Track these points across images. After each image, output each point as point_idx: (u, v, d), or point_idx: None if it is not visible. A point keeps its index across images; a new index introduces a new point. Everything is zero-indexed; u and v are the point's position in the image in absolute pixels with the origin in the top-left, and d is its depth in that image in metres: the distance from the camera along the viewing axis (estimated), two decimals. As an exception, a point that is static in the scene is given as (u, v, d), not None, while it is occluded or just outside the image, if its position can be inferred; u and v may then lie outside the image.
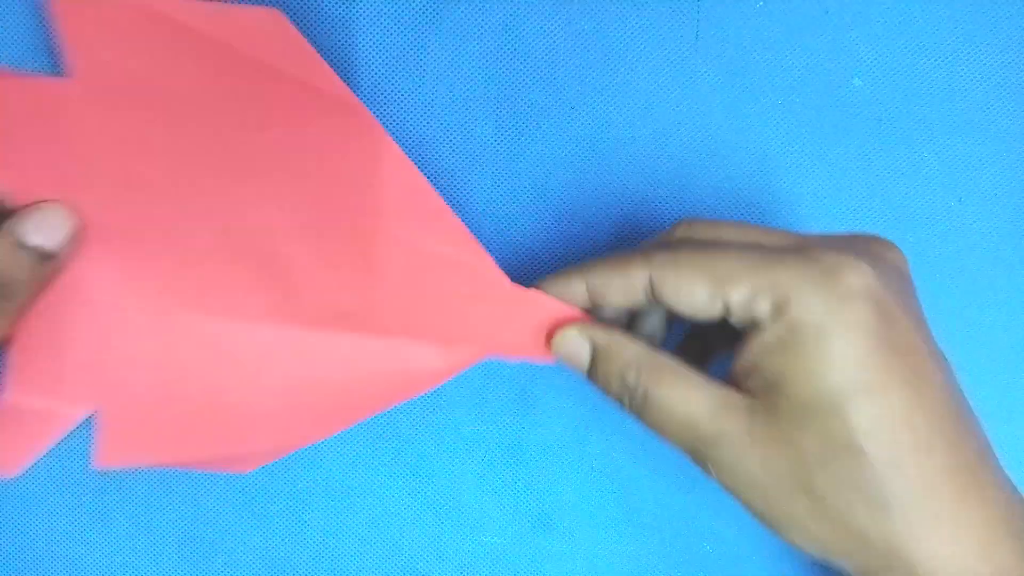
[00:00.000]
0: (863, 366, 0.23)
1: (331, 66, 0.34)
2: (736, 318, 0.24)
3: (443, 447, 0.34)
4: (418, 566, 0.34)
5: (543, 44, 0.34)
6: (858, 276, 0.23)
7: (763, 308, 0.24)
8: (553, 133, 0.34)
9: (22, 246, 0.26)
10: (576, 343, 0.27)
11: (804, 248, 0.24)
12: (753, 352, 0.24)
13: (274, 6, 0.34)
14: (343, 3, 0.34)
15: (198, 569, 0.34)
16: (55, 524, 0.34)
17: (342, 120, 0.25)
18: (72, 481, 0.34)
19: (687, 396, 0.25)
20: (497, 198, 0.34)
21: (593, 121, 0.34)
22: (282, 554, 0.34)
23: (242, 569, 0.34)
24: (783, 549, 0.34)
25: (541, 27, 0.34)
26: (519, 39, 0.34)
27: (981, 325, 0.35)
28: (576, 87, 0.34)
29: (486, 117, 0.34)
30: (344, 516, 0.34)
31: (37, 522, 0.34)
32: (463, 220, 0.34)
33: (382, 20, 0.34)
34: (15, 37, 0.33)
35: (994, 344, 0.35)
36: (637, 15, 0.35)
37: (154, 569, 0.34)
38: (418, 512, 0.34)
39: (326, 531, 0.34)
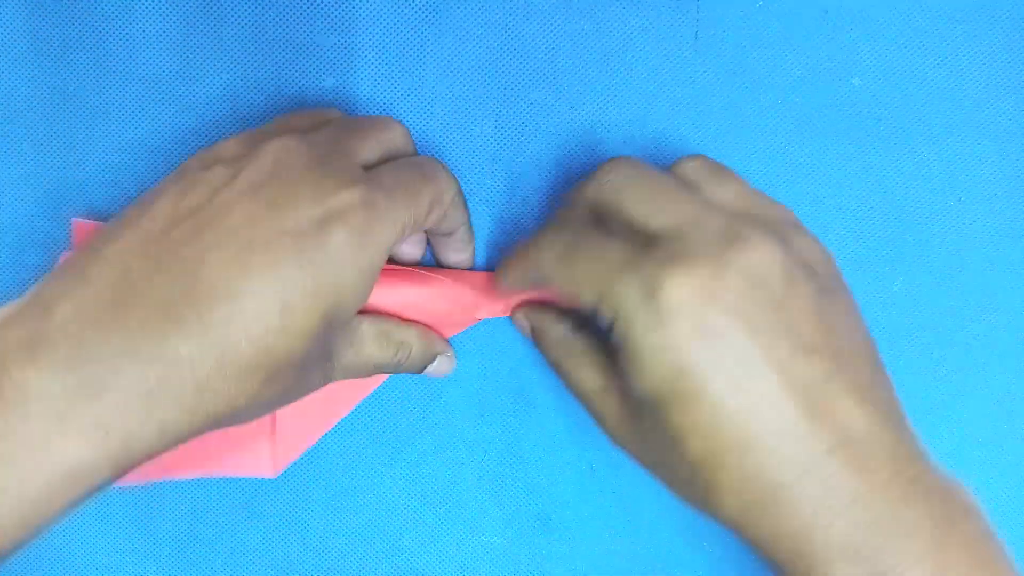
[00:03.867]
0: (675, 376, 0.24)
1: (331, 66, 0.34)
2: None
3: (443, 447, 0.34)
4: (418, 566, 0.34)
5: (543, 44, 0.34)
6: (677, 291, 0.23)
7: (604, 319, 0.26)
8: (553, 133, 0.34)
9: (419, 370, 0.32)
10: (521, 323, 0.33)
11: (661, 246, 0.25)
12: (609, 351, 0.27)
13: (276, 5, 0.34)
14: (343, 3, 0.34)
15: (198, 569, 0.34)
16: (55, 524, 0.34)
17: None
18: (72, 481, 0.34)
19: (583, 376, 0.29)
20: (497, 198, 0.34)
21: (593, 121, 0.34)
22: (282, 554, 0.34)
23: (242, 569, 0.34)
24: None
25: (541, 27, 0.34)
26: (519, 39, 0.34)
27: (981, 325, 0.35)
28: (576, 87, 0.34)
29: (486, 117, 0.34)
30: (344, 516, 0.34)
31: (37, 522, 0.34)
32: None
33: (382, 20, 0.34)
34: (16, 37, 0.33)
35: (994, 344, 0.35)
36: (637, 15, 0.35)
37: (154, 569, 0.34)
38: (418, 512, 0.34)
39: (326, 531, 0.34)
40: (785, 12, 0.35)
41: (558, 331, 0.31)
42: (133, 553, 0.34)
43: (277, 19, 0.34)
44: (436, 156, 0.34)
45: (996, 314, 0.35)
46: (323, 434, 0.33)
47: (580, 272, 0.26)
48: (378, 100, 0.34)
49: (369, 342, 0.29)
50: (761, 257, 0.24)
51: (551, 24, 0.34)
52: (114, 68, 0.34)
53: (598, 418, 0.29)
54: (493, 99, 0.34)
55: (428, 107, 0.34)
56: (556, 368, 0.31)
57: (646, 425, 0.26)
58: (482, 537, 0.34)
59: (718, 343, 0.23)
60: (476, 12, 0.34)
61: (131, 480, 0.27)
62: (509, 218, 0.34)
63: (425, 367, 0.32)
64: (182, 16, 0.34)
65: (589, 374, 0.29)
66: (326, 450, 0.34)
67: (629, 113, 0.34)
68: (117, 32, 0.34)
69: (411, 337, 0.31)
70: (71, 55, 0.33)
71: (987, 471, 0.35)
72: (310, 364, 0.26)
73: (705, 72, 0.35)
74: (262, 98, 0.34)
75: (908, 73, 0.35)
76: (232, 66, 0.34)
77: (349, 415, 0.34)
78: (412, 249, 0.33)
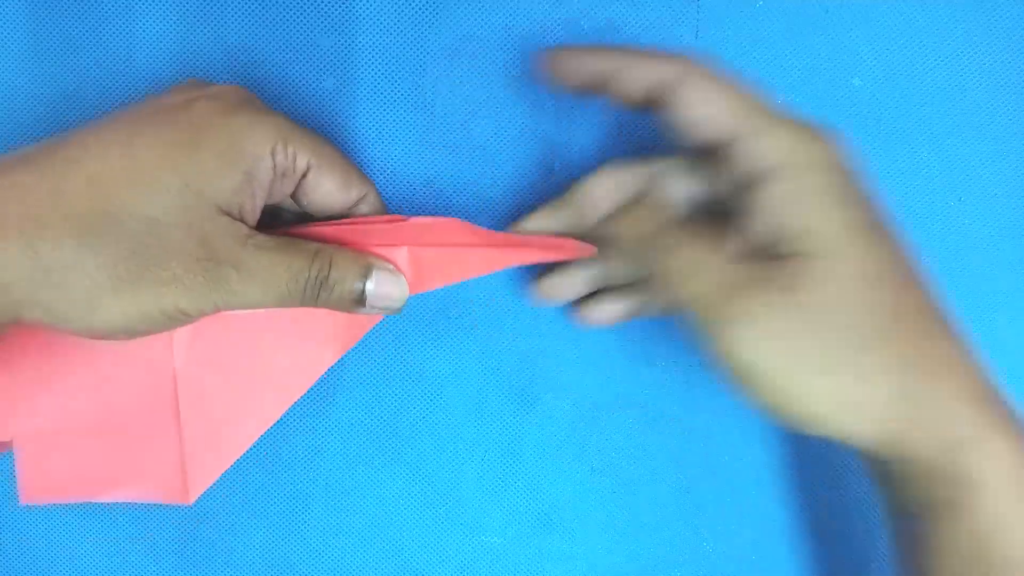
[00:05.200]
0: (861, 207, 0.26)
1: (331, 66, 0.34)
2: (732, 161, 0.27)
3: (443, 447, 0.34)
4: (418, 566, 0.34)
5: (543, 44, 0.34)
6: (836, 147, 0.27)
7: (759, 149, 0.26)
8: (553, 133, 0.34)
9: (356, 291, 0.27)
10: (617, 179, 0.30)
11: (796, 120, 0.27)
12: (756, 201, 0.26)
13: (276, 5, 0.34)
14: (343, 3, 0.34)
15: (198, 569, 0.34)
16: (55, 524, 0.34)
17: None
18: (72, 481, 0.34)
19: (716, 254, 0.27)
20: (497, 197, 0.34)
21: (593, 121, 0.34)
22: (282, 554, 0.34)
23: (242, 569, 0.34)
24: (783, 550, 0.34)
25: (541, 27, 0.34)
26: (519, 39, 0.34)
27: (981, 325, 0.35)
28: (576, 87, 0.34)
29: (486, 117, 0.34)
30: (344, 516, 0.34)
31: (37, 522, 0.34)
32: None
33: (382, 20, 0.34)
34: (17, 37, 0.33)
35: (994, 344, 0.35)
36: (637, 15, 0.35)
37: (154, 569, 0.34)
38: (418, 512, 0.34)
39: (326, 531, 0.34)
40: (785, 12, 0.35)
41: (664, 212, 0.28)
42: (133, 553, 0.34)
43: (277, 19, 0.34)
44: (436, 157, 0.34)
45: (996, 314, 0.35)
46: (244, 450, 0.30)
47: (741, 102, 0.26)
48: (378, 100, 0.34)
49: (271, 248, 0.26)
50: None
51: (551, 24, 0.34)
52: (114, 68, 0.34)
53: (744, 291, 0.25)
54: (493, 99, 0.34)
55: (428, 107, 0.34)
56: (678, 244, 0.27)
57: (816, 284, 0.25)
58: (482, 537, 0.34)
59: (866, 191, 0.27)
60: (476, 12, 0.34)
61: (40, 499, 0.28)
62: (508, 218, 0.34)
63: (363, 289, 0.27)
64: (182, 16, 0.34)
65: (720, 252, 0.26)
66: (326, 450, 0.34)
67: (629, 113, 0.34)
68: (117, 32, 0.34)
69: (327, 247, 0.27)
70: (72, 55, 0.33)
71: (987, 471, 0.35)
72: (175, 240, 0.24)
73: (705, 72, 0.35)
74: (262, 98, 0.34)
75: (908, 73, 0.35)
76: (232, 66, 0.34)
77: (348, 415, 0.34)
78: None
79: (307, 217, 0.31)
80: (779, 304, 0.25)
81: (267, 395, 0.30)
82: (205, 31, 0.34)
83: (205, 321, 0.28)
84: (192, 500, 0.29)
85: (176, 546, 0.34)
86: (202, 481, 0.29)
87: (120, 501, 0.29)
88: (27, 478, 0.28)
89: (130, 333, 0.25)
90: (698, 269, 0.26)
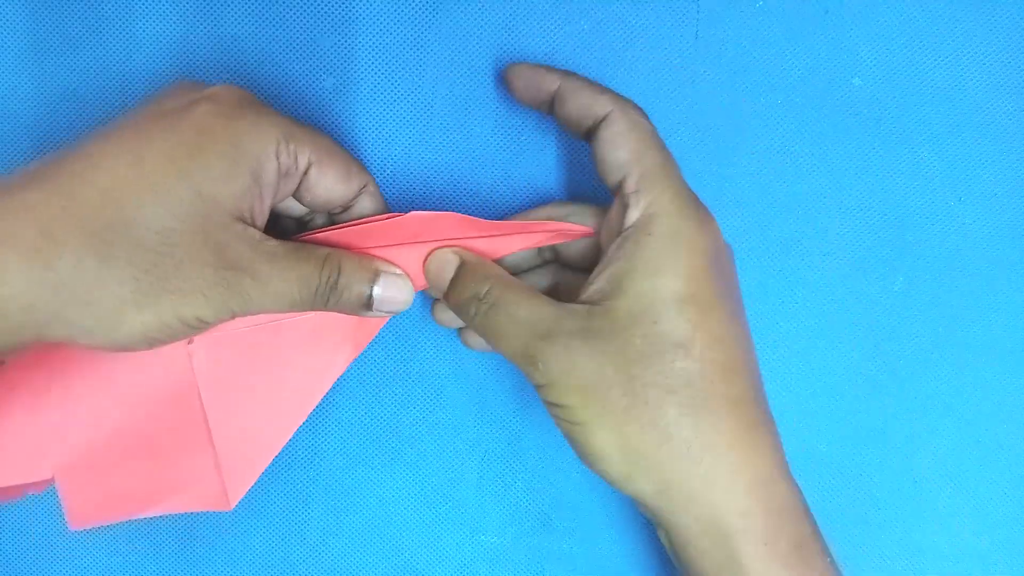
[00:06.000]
0: (699, 281, 0.26)
1: (331, 66, 0.34)
2: (621, 194, 0.28)
3: (443, 447, 0.34)
4: (418, 566, 0.34)
5: (543, 44, 0.34)
6: (714, 223, 0.28)
7: (639, 203, 0.27)
8: (553, 133, 0.34)
9: (364, 296, 0.28)
10: (446, 258, 0.30)
11: (681, 184, 0.28)
12: (610, 252, 0.27)
13: (276, 5, 0.34)
14: (343, 3, 0.34)
15: (198, 569, 0.34)
16: (55, 524, 0.34)
17: None
18: (72, 481, 0.34)
19: (532, 303, 0.27)
20: (497, 198, 0.34)
21: (593, 121, 0.34)
22: (282, 554, 0.34)
23: (242, 569, 0.34)
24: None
25: (541, 27, 0.34)
26: (519, 39, 0.34)
27: (981, 325, 0.35)
28: (576, 87, 0.34)
29: (486, 117, 0.34)
30: (344, 516, 0.34)
31: (38, 522, 0.34)
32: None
33: (382, 20, 0.34)
34: (16, 36, 0.33)
35: (994, 344, 0.35)
36: (637, 15, 0.35)
37: (154, 569, 0.34)
38: (418, 512, 0.34)
39: (326, 531, 0.34)
40: (785, 12, 0.35)
41: (498, 269, 0.29)
42: (133, 553, 0.34)
43: (277, 19, 0.34)
44: (436, 157, 0.34)
45: (996, 314, 0.35)
46: (277, 452, 0.31)
47: (642, 148, 0.28)
48: (378, 100, 0.34)
49: (282, 255, 0.26)
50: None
51: (551, 24, 0.34)
52: (114, 68, 0.34)
53: (545, 340, 0.26)
54: (493, 99, 0.34)
55: (428, 107, 0.34)
56: (485, 305, 0.28)
57: (623, 334, 0.26)
58: (482, 537, 0.34)
59: (727, 270, 0.28)
60: (476, 12, 0.34)
61: (88, 524, 0.29)
62: (508, 219, 0.34)
63: (370, 294, 0.28)
64: (182, 16, 0.34)
65: (540, 303, 0.27)
66: (326, 450, 0.34)
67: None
68: (117, 32, 0.34)
69: (335, 252, 0.28)
70: (72, 55, 0.33)
71: (987, 471, 0.35)
72: (192, 250, 0.25)
73: (705, 72, 0.35)
74: (262, 98, 0.34)
75: (908, 73, 0.35)
76: (232, 66, 0.34)
77: (348, 415, 0.34)
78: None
79: (306, 225, 0.31)
80: (579, 349, 0.26)
81: (289, 399, 0.30)
82: (205, 31, 0.34)
83: (221, 335, 0.29)
84: (233, 505, 0.30)
85: (176, 546, 0.34)
86: (241, 486, 0.30)
87: (163, 514, 0.30)
88: (72, 505, 0.29)
89: (150, 344, 0.25)
90: (508, 326, 0.27)
